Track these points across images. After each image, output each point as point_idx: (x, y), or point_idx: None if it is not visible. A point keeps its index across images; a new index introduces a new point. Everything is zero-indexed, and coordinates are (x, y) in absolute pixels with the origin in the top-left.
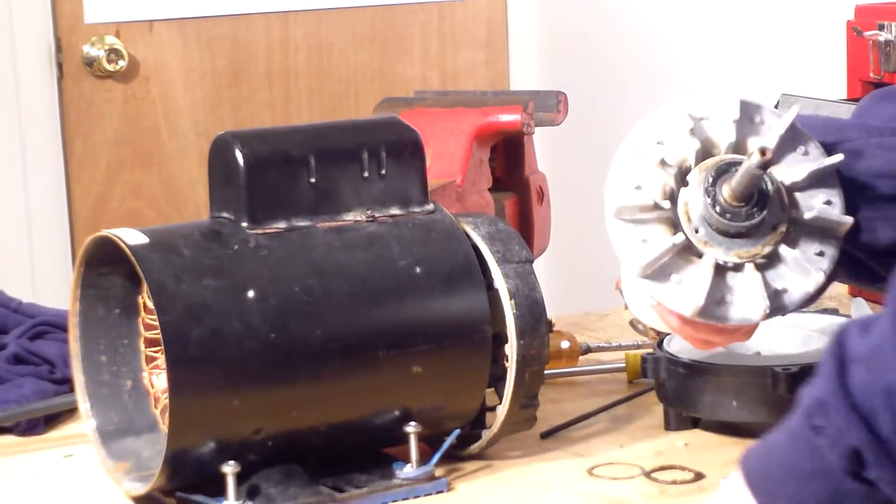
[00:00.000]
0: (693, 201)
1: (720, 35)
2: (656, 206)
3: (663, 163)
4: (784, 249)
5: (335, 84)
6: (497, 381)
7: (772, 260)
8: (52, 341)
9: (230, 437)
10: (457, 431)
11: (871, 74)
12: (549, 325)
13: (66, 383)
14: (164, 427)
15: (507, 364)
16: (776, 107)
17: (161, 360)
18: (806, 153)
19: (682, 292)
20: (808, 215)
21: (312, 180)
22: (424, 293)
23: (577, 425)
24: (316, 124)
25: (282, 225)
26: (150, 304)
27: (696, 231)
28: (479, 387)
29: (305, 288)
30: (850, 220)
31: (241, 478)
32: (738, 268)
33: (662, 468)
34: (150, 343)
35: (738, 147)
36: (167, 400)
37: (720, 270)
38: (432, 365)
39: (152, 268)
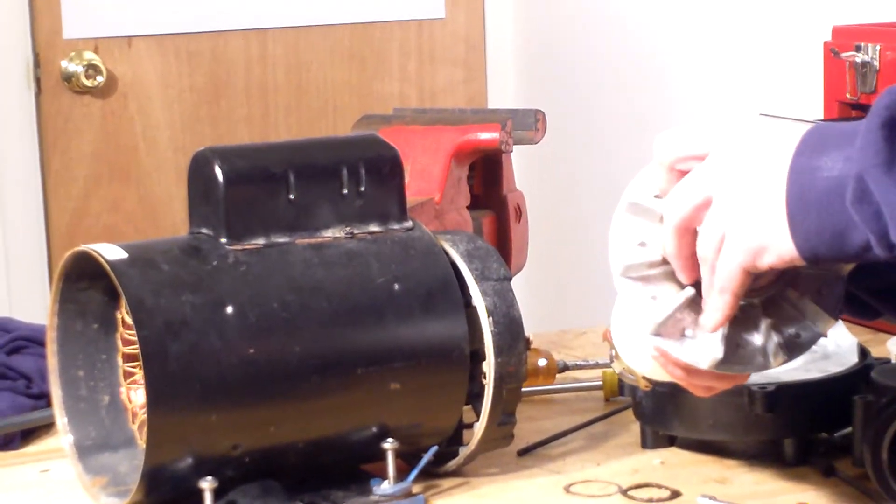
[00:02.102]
0: None
1: (697, 55)
2: (664, 262)
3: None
4: (791, 293)
5: (314, 101)
6: (474, 398)
7: (781, 305)
8: (30, 356)
9: (208, 453)
10: (434, 448)
11: (848, 95)
12: (527, 342)
13: (44, 398)
14: (141, 442)
15: (484, 381)
16: None
17: (139, 375)
18: None
19: (698, 347)
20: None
21: (291, 197)
22: (403, 310)
23: (553, 443)
24: (295, 141)
25: (261, 241)
26: (129, 320)
27: None
28: (456, 404)
29: (284, 304)
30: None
31: (218, 493)
32: (747, 315)
33: (639, 486)
34: (129, 358)
35: None
36: (145, 415)
37: (732, 320)
38: (410, 382)
39: (131, 283)
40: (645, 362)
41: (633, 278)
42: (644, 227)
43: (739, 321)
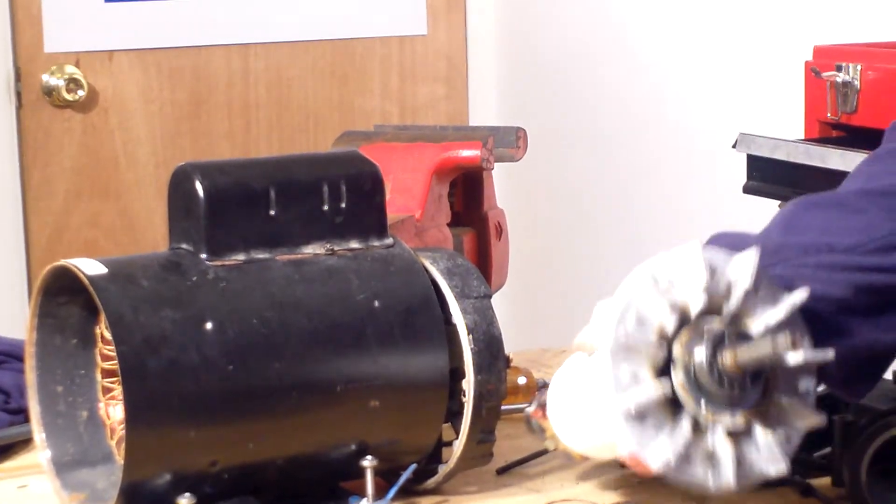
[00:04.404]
0: (688, 360)
1: (680, 73)
2: (659, 344)
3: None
4: (777, 397)
5: (295, 116)
6: (454, 416)
7: (768, 411)
8: (8, 371)
9: (186, 470)
10: (413, 466)
11: (829, 115)
12: (507, 360)
13: (22, 413)
14: (119, 458)
15: (463, 399)
16: (734, 146)
17: (118, 391)
18: (766, 295)
19: (657, 444)
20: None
21: (272, 213)
22: (383, 327)
23: (533, 461)
24: (276, 157)
25: (241, 257)
26: (108, 335)
27: (685, 387)
28: (435, 421)
29: (263, 320)
30: (830, 355)
31: None
32: (712, 431)
33: None
34: (107, 374)
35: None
36: (123, 431)
37: (697, 430)
38: (389, 399)
39: (110, 298)
40: (586, 439)
41: (622, 358)
42: (644, 309)
43: (702, 435)
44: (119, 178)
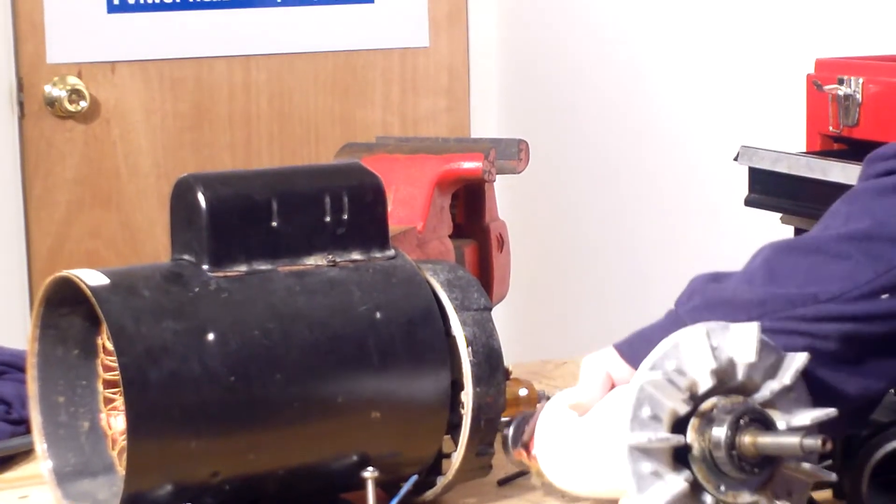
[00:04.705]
0: (705, 445)
1: (682, 85)
2: (676, 439)
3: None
4: (786, 466)
5: (296, 128)
6: (453, 428)
7: (776, 479)
8: (10, 381)
9: (187, 480)
10: (414, 477)
11: (831, 128)
12: (507, 372)
13: (23, 424)
14: (121, 469)
15: (463, 411)
16: (735, 159)
17: (119, 401)
18: (768, 360)
19: None
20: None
21: (274, 224)
22: (384, 339)
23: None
24: (279, 168)
25: (243, 268)
26: (110, 346)
27: (704, 473)
28: (436, 433)
29: (265, 332)
30: (832, 412)
31: None
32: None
33: None
34: (109, 384)
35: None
36: (125, 441)
37: None
38: (390, 411)
39: (112, 309)
40: (586, 486)
41: (640, 451)
42: (661, 400)
43: None
44: (121, 189)
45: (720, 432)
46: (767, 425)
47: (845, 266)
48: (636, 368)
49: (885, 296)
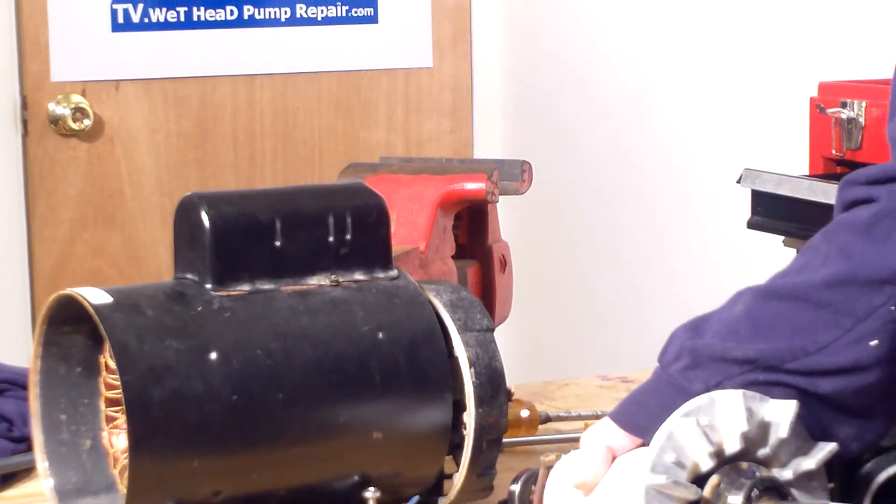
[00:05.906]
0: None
1: (686, 107)
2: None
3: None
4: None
5: (300, 148)
6: (455, 448)
7: None
8: (12, 399)
9: (189, 499)
10: (416, 498)
11: (834, 151)
12: (509, 393)
13: (25, 442)
14: (122, 487)
15: (464, 432)
16: (738, 181)
17: (121, 419)
18: (796, 440)
19: None
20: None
21: (277, 244)
22: (387, 359)
23: None
24: (282, 188)
25: (246, 287)
26: (112, 364)
27: None
28: (438, 454)
29: (268, 351)
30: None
31: None
32: None
33: None
34: (111, 403)
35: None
36: (126, 460)
37: None
38: (393, 431)
39: (115, 327)
40: None
41: (657, 490)
42: (687, 450)
43: None
44: (124, 208)
45: (736, 500)
46: (783, 499)
47: (826, 314)
48: (634, 435)
49: (873, 342)
